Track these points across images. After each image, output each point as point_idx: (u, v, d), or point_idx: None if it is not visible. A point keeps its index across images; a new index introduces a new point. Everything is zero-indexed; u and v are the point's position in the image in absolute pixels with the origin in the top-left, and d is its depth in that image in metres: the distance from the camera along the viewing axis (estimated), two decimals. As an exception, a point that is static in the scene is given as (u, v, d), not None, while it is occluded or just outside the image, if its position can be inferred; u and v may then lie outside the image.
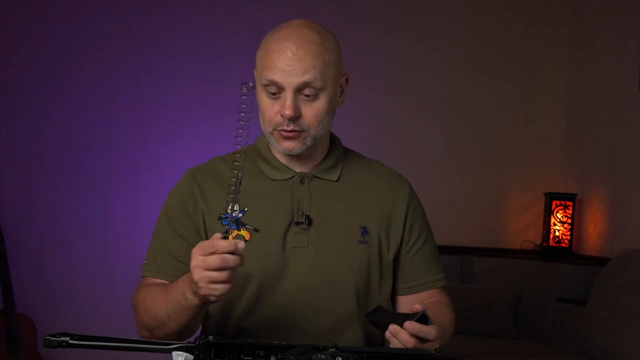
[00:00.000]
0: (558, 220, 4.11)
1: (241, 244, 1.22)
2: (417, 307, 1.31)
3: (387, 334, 1.29)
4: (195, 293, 1.28)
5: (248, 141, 1.31)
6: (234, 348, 1.17)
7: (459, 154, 4.31)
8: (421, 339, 1.26)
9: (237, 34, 4.02)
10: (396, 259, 1.57)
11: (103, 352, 1.24)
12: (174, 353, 1.16)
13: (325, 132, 1.50)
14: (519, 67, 4.36)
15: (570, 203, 4.10)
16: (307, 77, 1.42)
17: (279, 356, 1.13)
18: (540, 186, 4.31)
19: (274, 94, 1.45)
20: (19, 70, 3.93)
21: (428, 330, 1.26)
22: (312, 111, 1.45)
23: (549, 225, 4.11)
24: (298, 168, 1.55)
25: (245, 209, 1.50)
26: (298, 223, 1.50)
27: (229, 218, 1.38)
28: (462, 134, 4.31)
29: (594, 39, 4.13)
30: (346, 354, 1.10)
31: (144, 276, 1.54)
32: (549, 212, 4.12)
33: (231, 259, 1.22)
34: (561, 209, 4.11)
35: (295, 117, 1.44)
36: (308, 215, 1.50)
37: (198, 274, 1.24)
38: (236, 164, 1.29)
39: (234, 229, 1.49)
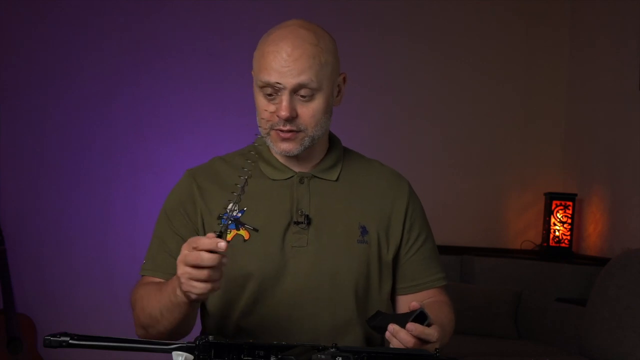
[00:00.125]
0: (558, 220, 4.11)
1: (222, 244, 1.21)
2: (415, 304, 1.31)
3: (387, 334, 1.29)
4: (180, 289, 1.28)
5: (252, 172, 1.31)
6: (234, 348, 1.17)
7: (459, 154, 4.31)
8: (422, 340, 1.26)
9: (237, 34, 4.02)
10: (396, 258, 1.57)
11: (103, 352, 1.24)
12: (174, 353, 1.16)
13: (322, 132, 1.50)
14: (519, 67, 4.36)
15: (570, 203, 4.10)
16: (302, 78, 1.42)
17: (279, 356, 1.13)
18: (540, 186, 4.31)
19: (270, 95, 1.45)
20: (19, 70, 3.93)
21: (430, 333, 1.26)
22: (308, 112, 1.45)
23: (549, 225, 4.11)
24: (297, 168, 1.55)
25: (245, 209, 1.50)
26: (297, 223, 1.50)
27: (227, 217, 1.37)
28: (462, 134, 4.31)
29: (594, 39, 4.13)
30: (346, 354, 1.10)
31: (143, 275, 1.55)
32: (549, 212, 4.12)
33: (206, 257, 1.21)
34: (561, 209, 4.11)
35: (292, 118, 1.44)
36: (307, 215, 1.50)
37: (180, 268, 1.24)
38: (244, 169, 1.29)
39: (233, 229, 1.49)
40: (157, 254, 1.53)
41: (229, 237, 1.49)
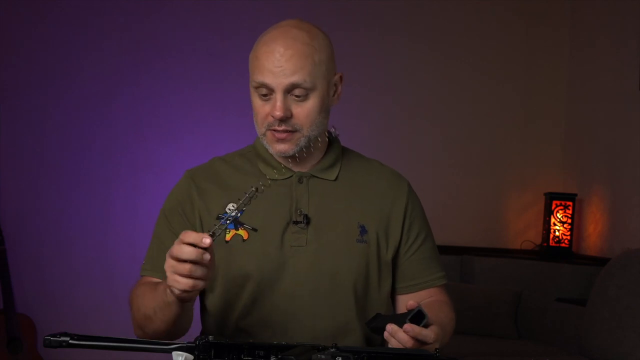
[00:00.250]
0: (558, 220, 4.11)
1: (206, 240, 1.21)
2: (412, 303, 1.31)
3: (386, 334, 1.29)
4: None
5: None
6: (234, 348, 1.17)
7: (459, 154, 4.31)
8: (420, 341, 1.26)
9: (237, 34, 4.02)
10: (395, 258, 1.57)
11: (103, 352, 1.24)
12: (174, 353, 1.16)
13: (319, 131, 1.50)
14: (519, 67, 4.36)
15: (570, 203, 4.10)
16: (295, 78, 1.42)
17: (279, 356, 1.13)
18: (540, 186, 4.31)
19: (265, 95, 1.45)
20: (19, 70, 3.93)
21: (427, 334, 1.26)
22: (303, 111, 1.45)
23: (549, 225, 4.11)
24: (296, 168, 1.55)
25: (244, 209, 1.50)
26: (296, 222, 1.50)
27: (226, 217, 1.38)
28: (462, 134, 4.31)
29: (594, 39, 4.13)
30: (346, 354, 1.10)
31: (142, 276, 1.55)
32: (549, 212, 4.12)
33: (186, 250, 1.21)
34: (561, 209, 4.11)
35: (286, 118, 1.44)
36: (306, 215, 1.50)
37: (166, 261, 1.24)
38: (261, 184, 1.30)
39: (232, 229, 1.49)
40: (156, 254, 1.53)
41: (228, 237, 1.49)
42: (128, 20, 4.02)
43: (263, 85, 1.44)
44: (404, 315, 1.29)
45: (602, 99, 4.01)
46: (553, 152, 4.38)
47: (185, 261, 1.21)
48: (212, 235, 1.23)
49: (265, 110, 1.46)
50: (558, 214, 4.11)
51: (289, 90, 1.43)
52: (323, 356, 1.09)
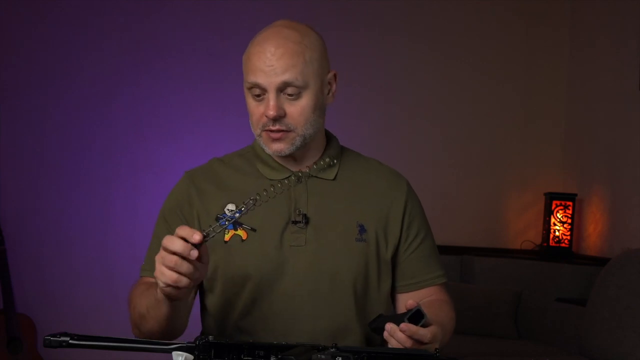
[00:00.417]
0: (558, 220, 4.11)
1: (196, 236, 1.21)
2: (411, 302, 1.31)
3: (385, 333, 1.29)
4: None
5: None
6: (234, 348, 1.17)
7: (459, 154, 4.31)
8: (417, 341, 1.26)
9: (237, 34, 4.02)
10: (395, 256, 1.57)
11: (103, 352, 1.24)
12: (174, 353, 1.16)
13: (314, 130, 1.50)
14: (519, 67, 4.36)
15: (570, 203, 4.10)
16: (286, 77, 1.42)
17: (279, 356, 1.13)
18: (540, 186, 4.31)
19: (258, 95, 1.46)
20: (19, 70, 3.93)
21: (423, 334, 1.26)
22: (296, 110, 1.46)
23: (549, 225, 4.11)
24: (294, 167, 1.55)
25: (241, 208, 1.50)
26: (295, 222, 1.50)
27: (225, 218, 1.38)
28: (462, 134, 4.31)
29: (594, 39, 4.13)
30: (346, 354, 1.10)
31: (141, 276, 1.55)
32: (549, 212, 4.12)
33: (176, 242, 1.20)
34: (561, 209, 4.11)
35: (279, 117, 1.44)
36: (305, 214, 1.50)
37: (159, 252, 1.24)
38: (265, 191, 1.30)
39: (231, 229, 1.49)
40: (154, 255, 1.53)
41: (227, 237, 1.49)
42: (128, 20, 4.02)
43: (256, 85, 1.44)
44: (404, 315, 1.29)
45: (602, 99, 4.01)
46: (553, 152, 4.38)
47: (174, 254, 1.21)
48: (205, 235, 1.22)
49: (260, 110, 1.46)
50: (558, 214, 4.11)
51: (281, 89, 1.44)
52: (323, 356, 1.09)
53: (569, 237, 4.10)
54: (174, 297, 1.27)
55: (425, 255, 1.60)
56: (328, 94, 1.53)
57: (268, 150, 1.50)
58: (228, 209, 1.51)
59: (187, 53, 4.06)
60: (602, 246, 3.94)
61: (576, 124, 4.28)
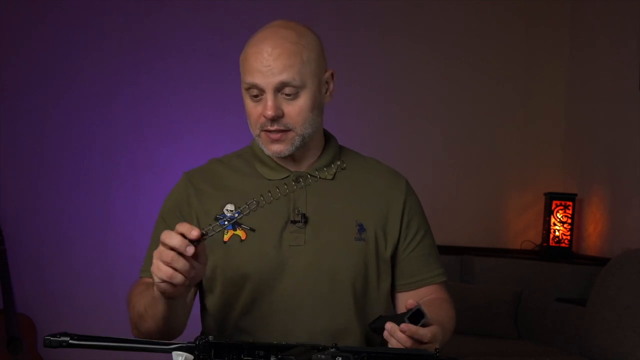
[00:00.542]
0: (558, 220, 4.11)
1: (194, 232, 1.21)
2: (411, 302, 1.30)
3: (385, 333, 1.29)
4: None
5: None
6: (234, 348, 1.17)
7: (459, 154, 4.31)
8: (417, 341, 1.26)
9: (237, 34, 3.99)
10: (394, 255, 1.57)
11: (103, 352, 1.24)
12: (174, 353, 1.16)
13: (313, 130, 1.50)
14: (519, 67, 4.36)
15: (570, 203, 4.10)
16: (284, 77, 1.42)
17: (279, 356, 1.13)
18: (540, 186, 4.31)
19: (256, 96, 1.46)
20: (19, 70, 3.93)
21: (423, 333, 1.26)
22: (294, 110, 1.46)
23: (549, 225, 4.11)
24: (293, 167, 1.55)
25: (239, 209, 1.50)
26: (294, 222, 1.50)
27: (224, 218, 1.38)
28: (462, 134, 4.31)
29: (594, 39, 4.13)
30: (346, 354, 1.10)
31: (141, 277, 1.55)
32: (549, 212, 4.12)
33: (174, 237, 1.21)
34: (561, 209, 4.11)
35: (277, 117, 1.44)
36: (304, 214, 1.50)
37: (158, 247, 1.24)
38: (269, 193, 1.30)
39: (230, 229, 1.49)
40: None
41: (226, 237, 1.49)
42: (128, 20, 4.02)
43: (253, 86, 1.45)
44: (404, 314, 1.29)
45: (602, 99, 4.01)
46: (553, 152, 4.38)
47: (171, 249, 1.21)
48: (204, 234, 1.22)
49: (258, 111, 1.46)
50: (558, 214, 4.11)
51: (278, 89, 1.44)
52: (323, 356, 1.09)
53: (569, 237, 4.10)
54: (170, 294, 1.27)
55: (424, 253, 1.60)
56: (326, 93, 1.53)
57: (267, 151, 1.51)
58: (227, 209, 1.51)
59: (187, 53, 4.06)
60: (602, 246, 3.94)
61: (576, 124, 4.28)
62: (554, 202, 4.11)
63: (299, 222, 1.50)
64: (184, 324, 1.46)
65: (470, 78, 4.32)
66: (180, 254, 1.21)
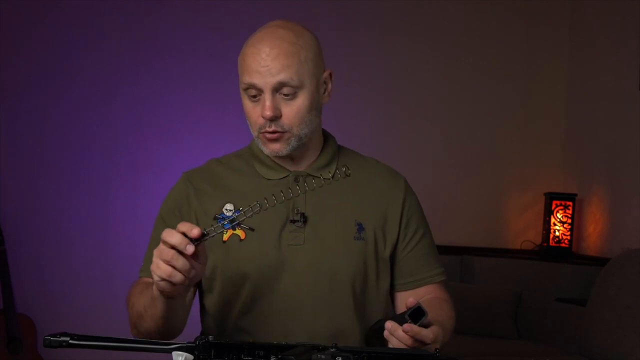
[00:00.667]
0: (558, 220, 4.11)
1: (194, 231, 1.21)
2: (411, 300, 1.30)
3: (386, 332, 1.29)
4: None
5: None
6: (234, 348, 1.17)
7: (459, 154, 4.31)
8: (419, 341, 1.26)
9: (237, 34, 3.98)
10: (393, 254, 1.57)
11: (103, 352, 1.24)
12: (174, 353, 1.16)
13: (310, 130, 1.50)
14: (519, 67, 4.36)
15: (570, 203, 4.10)
16: (281, 77, 1.42)
17: (279, 356, 1.13)
18: (540, 186, 4.31)
19: (254, 96, 1.46)
20: (19, 70, 3.93)
21: (425, 334, 1.26)
22: (292, 110, 1.46)
23: (549, 225, 4.11)
24: (292, 167, 1.55)
25: (240, 209, 1.50)
26: (293, 221, 1.50)
27: (224, 218, 1.38)
28: (462, 134, 4.31)
29: (594, 39, 4.13)
30: (346, 354, 1.10)
31: (140, 277, 1.55)
32: (549, 212, 4.12)
33: (175, 235, 1.21)
34: (561, 209, 4.11)
35: (275, 117, 1.45)
36: (303, 213, 1.50)
37: (158, 246, 1.24)
38: (273, 197, 1.30)
39: (229, 229, 1.49)
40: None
41: (226, 237, 1.49)
42: (128, 20, 4.02)
43: (251, 86, 1.45)
44: (404, 313, 1.29)
45: (602, 99, 4.01)
46: (553, 152, 4.38)
47: (172, 248, 1.21)
48: (205, 234, 1.22)
49: (256, 112, 1.47)
50: (558, 214, 4.11)
51: (276, 89, 1.44)
52: (323, 356, 1.09)
53: (569, 237, 4.10)
54: (169, 293, 1.27)
55: (423, 253, 1.60)
56: (324, 93, 1.53)
57: (265, 151, 1.51)
58: (226, 209, 1.52)
59: (187, 53, 4.06)
60: (602, 246, 3.94)
61: (576, 124, 4.28)
62: (554, 202, 4.11)
63: (298, 221, 1.50)
64: (183, 323, 1.46)
65: (470, 78, 4.32)
66: (180, 252, 1.21)
